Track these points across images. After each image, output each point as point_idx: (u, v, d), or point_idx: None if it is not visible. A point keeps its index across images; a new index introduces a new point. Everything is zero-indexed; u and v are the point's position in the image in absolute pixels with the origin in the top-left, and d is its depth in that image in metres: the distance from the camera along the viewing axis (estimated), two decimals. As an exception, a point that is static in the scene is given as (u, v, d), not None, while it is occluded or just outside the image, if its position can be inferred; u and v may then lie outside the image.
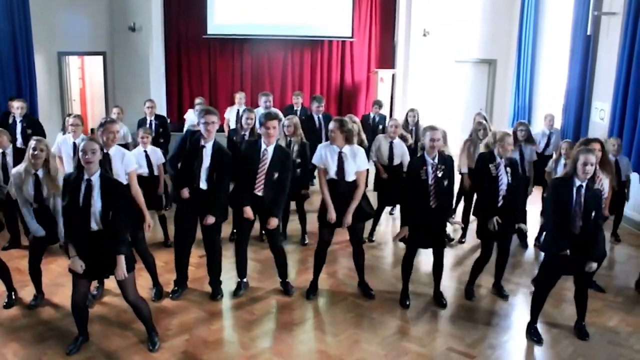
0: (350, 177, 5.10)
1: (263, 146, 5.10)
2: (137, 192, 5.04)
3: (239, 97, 9.34)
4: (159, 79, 12.26)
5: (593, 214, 4.43)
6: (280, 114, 5.32)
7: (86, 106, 14.10)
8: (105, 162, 4.42)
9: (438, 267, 5.30)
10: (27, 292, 5.24)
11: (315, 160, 5.20)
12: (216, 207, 5.11)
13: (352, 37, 12.52)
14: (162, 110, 12.25)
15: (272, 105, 8.68)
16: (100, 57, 12.07)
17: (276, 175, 5.10)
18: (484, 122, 6.94)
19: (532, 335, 4.72)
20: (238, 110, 9.00)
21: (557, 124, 9.58)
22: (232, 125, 8.72)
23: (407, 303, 5.28)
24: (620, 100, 7.89)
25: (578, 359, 4.45)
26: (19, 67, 9.58)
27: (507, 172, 5.17)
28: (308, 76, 12.88)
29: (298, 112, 9.07)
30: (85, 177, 4.03)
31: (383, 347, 4.56)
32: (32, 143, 4.85)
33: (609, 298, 5.55)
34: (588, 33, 8.80)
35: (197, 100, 9.45)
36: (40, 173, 4.83)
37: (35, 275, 5.09)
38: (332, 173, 5.09)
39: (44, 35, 10.39)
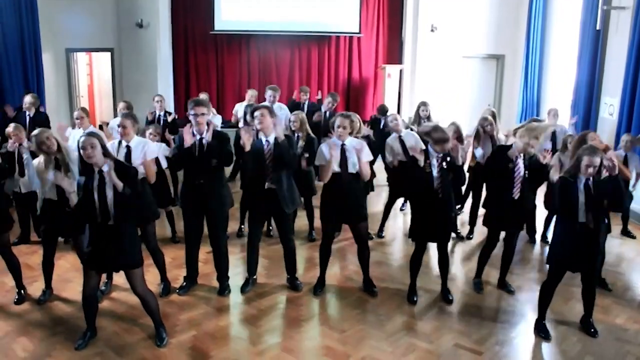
0: (352, 168, 5.11)
1: (263, 139, 5.12)
2: (153, 175, 5.25)
3: (251, 94, 9.33)
4: (166, 75, 12.30)
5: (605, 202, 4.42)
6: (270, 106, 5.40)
7: (94, 102, 14.16)
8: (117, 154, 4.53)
9: (443, 262, 5.29)
10: (36, 288, 5.28)
11: (318, 161, 5.18)
12: (221, 197, 5.13)
13: (359, 33, 12.49)
14: (169, 106, 12.31)
15: (279, 100, 8.68)
16: (108, 54, 12.13)
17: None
18: (489, 117, 6.88)
19: (540, 331, 4.71)
20: (247, 105, 9.02)
21: (563, 118, 9.56)
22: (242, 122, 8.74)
23: (415, 299, 5.28)
24: (629, 96, 7.84)
25: (586, 356, 4.43)
26: (26, 64, 9.63)
27: (525, 165, 5.14)
28: (315, 72, 12.87)
29: (305, 108, 9.09)
30: (96, 169, 4.05)
31: (390, 343, 4.56)
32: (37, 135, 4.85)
33: (617, 295, 5.53)
34: (597, 28, 8.75)
35: (202, 96, 9.44)
36: (59, 156, 4.81)
37: (48, 269, 5.13)
38: (335, 165, 5.09)
39: (52, 32, 10.44)
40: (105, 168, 4.05)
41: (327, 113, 8.53)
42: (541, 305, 4.74)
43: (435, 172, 4.96)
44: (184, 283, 5.43)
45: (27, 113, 7.95)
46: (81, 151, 4.03)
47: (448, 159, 4.97)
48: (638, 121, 7.64)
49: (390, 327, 4.81)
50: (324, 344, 4.57)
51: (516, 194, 5.15)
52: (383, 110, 8.88)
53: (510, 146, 5.20)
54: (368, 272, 5.49)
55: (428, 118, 7.93)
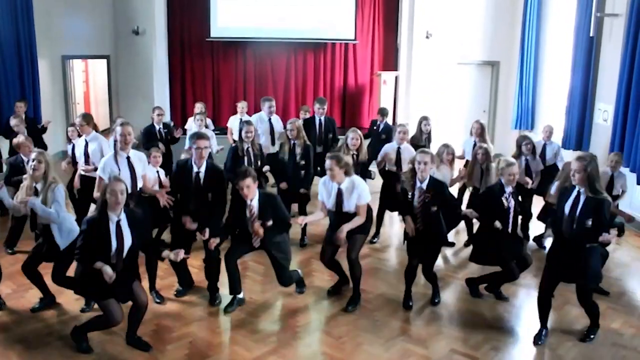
0: (348, 208, 5.12)
1: (247, 202, 4.94)
2: (149, 189, 5.36)
3: (241, 106, 9.35)
4: (162, 82, 12.30)
5: (589, 223, 4.39)
6: (253, 171, 5.26)
7: (90, 109, 14.15)
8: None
9: (429, 279, 5.38)
10: (32, 295, 5.26)
11: (319, 197, 5.25)
12: (213, 226, 5.07)
13: (355, 40, 12.52)
14: (166, 113, 12.29)
15: (276, 110, 8.69)
16: (104, 61, 12.13)
17: (270, 222, 4.95)
18: (485, 145, 6.83)
19: (537, 337, 4.72)
20: (241, 119, 9.07)
21: (559, 133, 9.60)
22: (236, 135, 8.74)
23: (410, 304, 5.30)
24: (623, 102, 7.88)
25: (581, 361, 4.47)
26: (22, 71, 9.62)
27: (515, 200, 5.19)
28: (311, 79, 12.89)
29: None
30: (115, 219, 4.14)
31: (386, 348, 4.57)
32: (32, 155, 4.87)
33: (613, 300, 5.55)
34: (591, 35, 8.79)
35: (198, 106, 9.42)
36: (39, 186, 4.82)
37: (34, 279, 5.06)
38: (330, 206, 5.16)
39: (48, 39, 10.43)
40: (122, 217, 4.16)
41: (322, 119, 8.50)
42: (540, 314, 4.74)
43: (415, 202, 5.03)
44: (181, 287, 5.46)
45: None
46: (108, 196, 4.08)
47: (431, 193, 4.98)
48: (632, 127, 7.68)
49: (386, 333, 4.82)
50: (320, 350, 4.58)
51: (510, 227, 5.19)
52: (383, 112, 8.83)
53: (498, 184, 5.21)
54: (358, 287, 5.35)
55: (429, 133, 7.91)
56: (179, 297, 5.37)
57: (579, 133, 9.20)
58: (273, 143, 8.18)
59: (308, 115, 9.01)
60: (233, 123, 9.26)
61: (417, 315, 5.19)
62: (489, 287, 5.58)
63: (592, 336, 4.74)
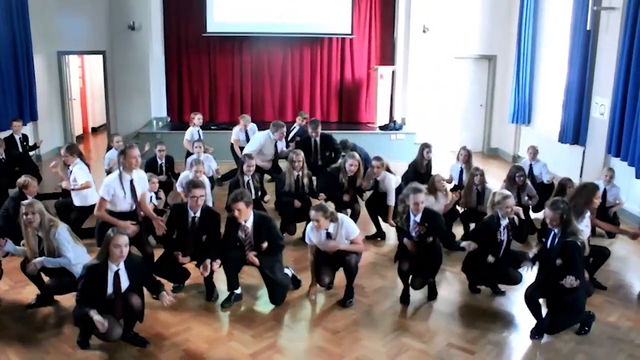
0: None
1: (242, 222, 5.09)
2: (148, 210, 5.47)
3: (243, 122, 9.42)
4: (159, 77, 12.29)
5: (559, 261, 4.53)
6: (247, 195, 5.20)
7: (86, 105, 14.16)
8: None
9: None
10: (29, 291, 5.24)
11: (307, 240, 5.30)
12: (211, 255, 5.11)
13: (351, 34, 12.50)
14: (162, 109, 12.30)
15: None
16: (100, 56, 12.09)
17: (265, 244, 5.13)
18: (479, 169, 6.90)
19: (534, 331, 4.72)
20: (246, 131, 9.30)
21: (556, 127, 9.60)
22: (242, 144, 9.00)
23: (408, 299, 5.30)
24: (620, 95, 7.88)
25: (578, 355, 4.46)
26: (18, 67, 9.61)
27: (508, 231, 5.24)
28: (308, 74, 12.86)
29: (296, 130, 9.58)
30: (115, 268, 4.24)
31: (384, 343, 4.58)
32: (22, 209, 4.80)
33: (610, 293, 5.56)
34: (588, 28, 8.78)
35: (197, 116, 9.47)
36: (40, 234, 4.82)
37: (32, 277, 5.02)
38: (321, 247, 5.22)
39: (44, 35, 10.41)
40: (121, 266, 4.27)
41: (317, 140, 8.50)
42: (534, 315, 4.75)
43: (413, 234, 5.18)
44: (177, 285, 5.46)
45: (17, 135, 8.55)
46: (112, 247, 4.16)
47: (426, 225, 5.08)
48: (629, 121, 7.67)
49: (384, 328, 4.83)
50: (317, 345, 4.58)
51: (501, 254, 5.26)
52: (345, 145, 8.39)
53: (492, 217, 5.25)
54: (351, 284, 5.34)
55: (430, 161, 7.89)
56: (176, 293, 5.35)
57: (575, 127, 9.20)
58: (274, 165, 8.50)
59: (305, 122, 9.11)
60: (239, 135, 9.34)
61: (414, 309, 5.19)
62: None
63: (587, 328, 4.75)
